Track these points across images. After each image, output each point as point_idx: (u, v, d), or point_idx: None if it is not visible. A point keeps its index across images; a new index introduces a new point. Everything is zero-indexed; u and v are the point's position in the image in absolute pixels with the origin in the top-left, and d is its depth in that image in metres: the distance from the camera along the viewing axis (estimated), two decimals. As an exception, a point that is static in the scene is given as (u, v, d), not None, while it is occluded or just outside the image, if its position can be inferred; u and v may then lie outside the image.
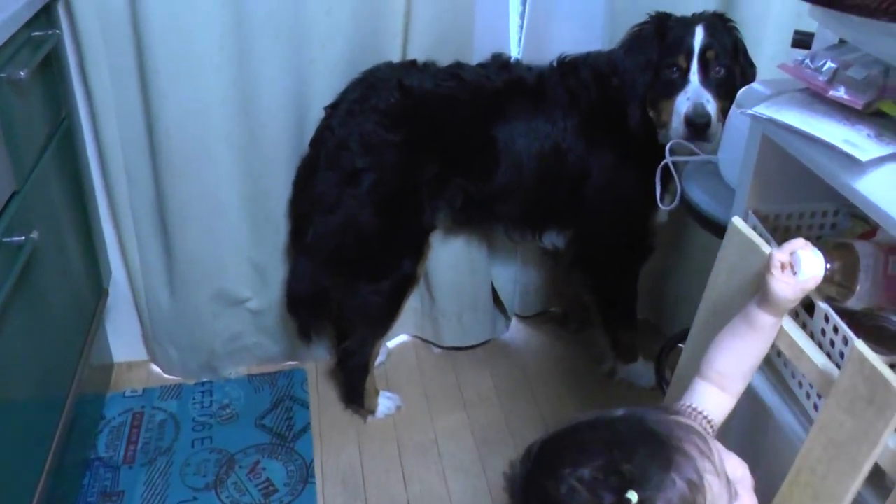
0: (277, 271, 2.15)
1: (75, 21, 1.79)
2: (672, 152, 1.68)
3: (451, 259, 2.21)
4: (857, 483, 0.90)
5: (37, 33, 1.70)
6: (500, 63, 1.98)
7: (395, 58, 1.98)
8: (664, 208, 1.70)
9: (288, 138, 1.97)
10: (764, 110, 1.06)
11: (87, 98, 1.92)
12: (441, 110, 1.88)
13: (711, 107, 1.77)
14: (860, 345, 0.90)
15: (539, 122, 1.91)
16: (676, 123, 1.78)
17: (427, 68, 1.94)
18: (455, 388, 2.27)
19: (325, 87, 1.94)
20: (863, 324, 1.04)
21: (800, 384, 1.13)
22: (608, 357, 2.25)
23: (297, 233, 2.00)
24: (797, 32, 1.76)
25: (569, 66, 1.95)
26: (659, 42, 1.80)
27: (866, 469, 0.89)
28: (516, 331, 2.49)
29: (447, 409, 2.19)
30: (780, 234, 1.20)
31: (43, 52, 1.69)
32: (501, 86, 1.92)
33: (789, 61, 1.87)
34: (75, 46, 1.86)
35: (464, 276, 2.27)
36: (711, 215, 1.53)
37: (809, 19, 1.84)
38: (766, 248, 1.10)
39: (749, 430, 1.20)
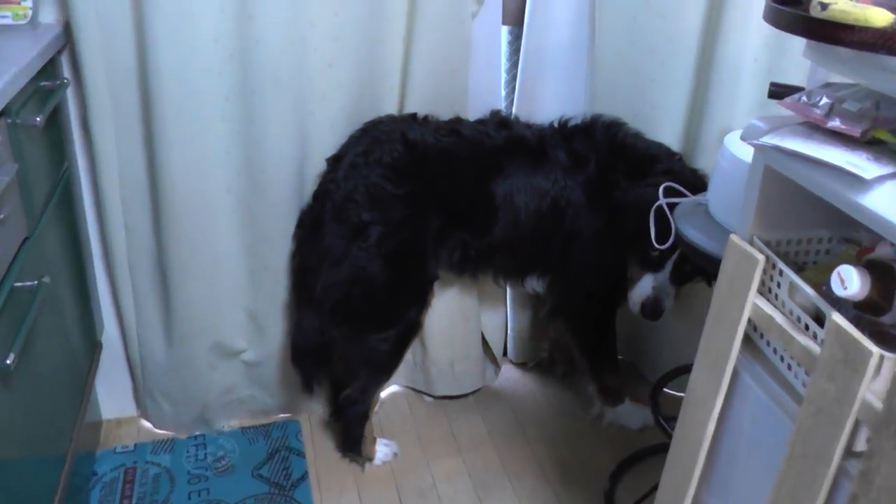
0: (274, 322, 2.17)
1: (82, 72, 1.84)
2: (665, 194, 1.77)
3: (444, 308, 2.26)
4: (842, 442, 1.01)
5: (45, 83, 1.74)
6: (499, 120, 2.07)
7: (393, 111, 2.07)
8: (660, 248, 1.78)
9: (289, 190, 2.02)
10: (770, 140, 1.16)
11: (87, 148, 1.95)
12: (443, 165, 1.95)
13: (668, 301, 1.98)
14: (837, 316, 1.02)
15: (538, 180, 2.00)
16: (635, 297, 2.00)
17: (427, 122, 2.02)
18: (449, 434, 2.30)
19: (325, 139, 2.01)
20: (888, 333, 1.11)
21: (789, 367, 1.22)
22: (595, 402, 2.31)
23: (302, 285, 2.04)
24: (773, 84, 1.90)
25: (573, 131, 2.06)
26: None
27: (849, 426, 1.00)
28: (505, 377, 2.54)
29: (443, 455, 2.22)
30: (779, 258, 1.28)
31: (54, 100, 1.74)
32: (502, 143, 2.01)
33: (765, 113, 2.08)
34: (79, 97, 1.90)
35: (456, 325, 2.32)
36: (706, 250, 1.62)
37: (781, 73, 2.04)
38: (759, 256, 1.21)
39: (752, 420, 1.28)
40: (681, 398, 1.42)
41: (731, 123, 2.09)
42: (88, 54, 1.82)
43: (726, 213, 1.68)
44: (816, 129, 1.17)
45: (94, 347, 2.10)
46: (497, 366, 2.50)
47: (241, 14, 1.84)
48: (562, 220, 2.03)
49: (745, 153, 1.67)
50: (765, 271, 1.22)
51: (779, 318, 1.19)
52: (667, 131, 2.17)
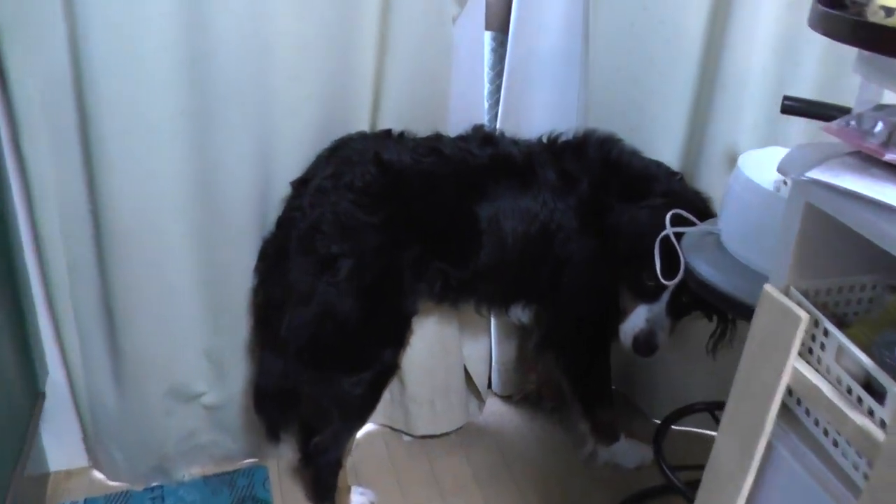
0: (236, 362, 1.96)
1: (9, 87, 1.61)
2: (672, 222, 1.58)
3: (423, 342, 2.06)
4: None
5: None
6: (482, 136, 1.88)
7: (365, 126, 1.87)
8: (667, 283, 1.59)
9: (249, 217, 1.81)
10: (819, 175, 0.97)
11: (20, 174, 1.72)
12: (422, 188, 1.76)
13: (663, 336, 1.81)
14: None
15: (526, 203, 1.82)
16: (627, 329, 1.82)
17: (403, 140, 1.83)
18: (430, 476, 2.11)
19: (290, 160, 1.80)
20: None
21: (835, 443, 1.03)
22: (588, 440, 2.13)
23: (265, 323, 1.83)
24: (787, 98, 1.72)
25: (563, 147, 1.87)
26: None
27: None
28: (490, 413, 2.35)
29: (424, 500, 2.03)
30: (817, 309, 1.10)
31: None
32: (486, 162, 1.82)
33: (772, 126, 1.91)
34: (7, 113, 1.66)
35: (436, 360, 2.13)
36: (722, 289, 1.43)
37: (792, 84, 1.86)
38: (801, 314, 1.02)
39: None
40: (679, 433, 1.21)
41: (737, 139, 1.92)
42: (14, 61, 1.59)
43: (742, 244, 1.49)
44: (872, 162, 0.98)
45: (36, 396, 1.88)
46: (481, 400, 2.31)
47: (193, 19, 1.63)
48: (551, 245, 1.85)
49: (762, 176, 1.50)
50: (805, 330, 1.03)
51: (826, 388, 1.00)
52: (666, 148, 1.99)
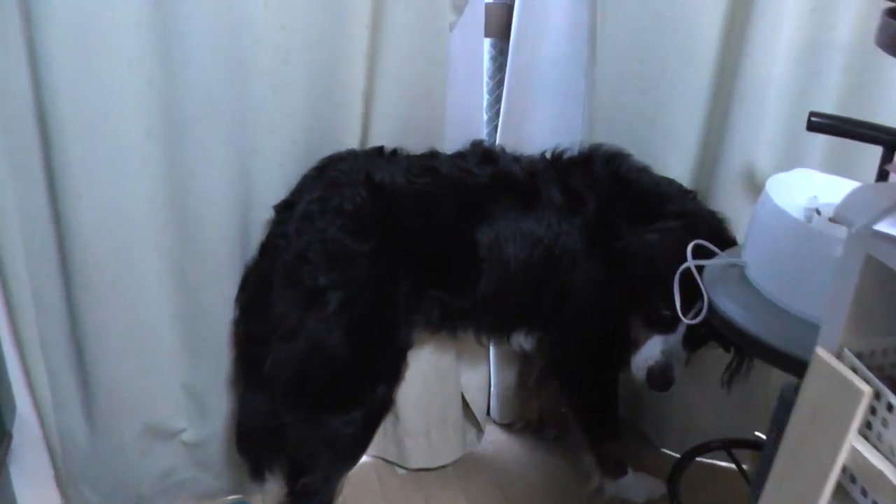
0: (217, 397, 1.82)
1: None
2: (693, 253, 1.44)
3: (418, 371, 1.92)
4: None
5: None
6: (481, 152, 1.74)
7: (355, 144, 1.72)
8: (688, 322, 1.45)
9: (229, 244, 1.66)
10: (888, 229, 0.83)
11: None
12: (417, 212, 1.62)
13: (679, 368, 1.68)
14: None
15: (530, 225, 1.68)
16: (640, 362, 1.70)
17: (397, 158, 1.69)
18: (426, 515, 1.98)
19: (273, 182, 1.66)
20: None
21: None
22: (593, 474, 1.99)
23: (248, 359, 1.69)
24: (814, 115, 1.58)
25: (568, 164, 1.74)
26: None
27: None
28: (489, 442, 2.21)
29: (420, 541, 1.90)
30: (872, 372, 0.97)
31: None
32: (487, 181, 1.68)
33: (792, 142, 1.77)
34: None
35: (432, 389, 1.99)
36: (752, 333, 1.29)
37: (815, 97, 1.72)
38: (863, 387, 0.89)
39: None
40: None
41: (754, 155, 1.78)
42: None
43: (770, 280, 1.36)
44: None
45: (2, 435, 1.73)
46: (480, 430, 2.17)
47: (163, 29, 1.48)
48: (555, 270, 1.72)
49: (792, 201, 1.37)
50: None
51: (890, 472, 0.86)
52: (677, 164, 1.85)
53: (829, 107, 1.71)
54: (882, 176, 1.55)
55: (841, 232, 1.28)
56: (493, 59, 1.91)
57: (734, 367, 1.76)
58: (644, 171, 1.79)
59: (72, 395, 1.74)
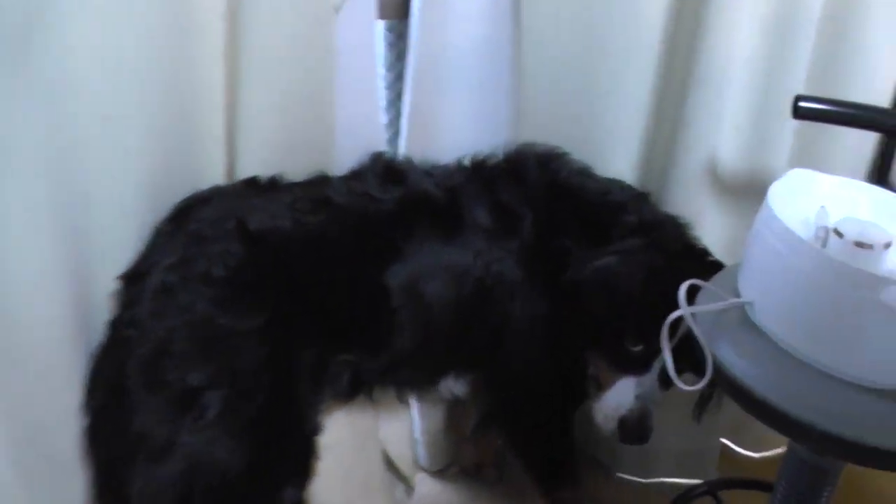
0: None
1: None
2: (688, 296, 1.11)
3: (332, 442, 1.53)
4: None
5: None
6: (383, 169, 1.39)
7: (218, 177, 1.32)
8: (686, 389, 1.13)
9: (60, 333, 1.22)
10: None
11: None
12: (311, 263, 1.25)
13: (656, 413, 1.38)
14: None
15: (453, 256, 1.35)
16: (609, 410, 1.38)
17: (276, 190, 1.31)
18: None
19: (115, 240, 1.23)
20: None
21: None
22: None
23: (106, 487, 1.26)
24: (802, 98, 1.28)
25: (494, 173, 1.41)
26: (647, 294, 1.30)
27: None
28: (422, 496, 1.87)
29: None
30: None
31: None
32: (394, 208, 1.33)
33: (758, 128, 1.47)
34: None
35: (350, 459, 1.64)
36: (777, 406, 0.99)
37: (784, 78, 1.43)
38: None
39: None
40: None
41: (717, 145, 1.48)
42: None
43: (785, 325, 1.06)
44: None
45: None
46: (409, 485, 1.83)
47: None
48: (490, 305, 1.39)
49: (800, 219, 1.10)
50: None
51: None
52: (624, 160, 1.53)
53: (798, 84, 1.42)
54: (881, 170, 1.26)
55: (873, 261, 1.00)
56: (391, 45, 1.51)
57: (706, 398, 1.47)
58: (587, 174, 1.47)
59: None
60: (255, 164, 1.34)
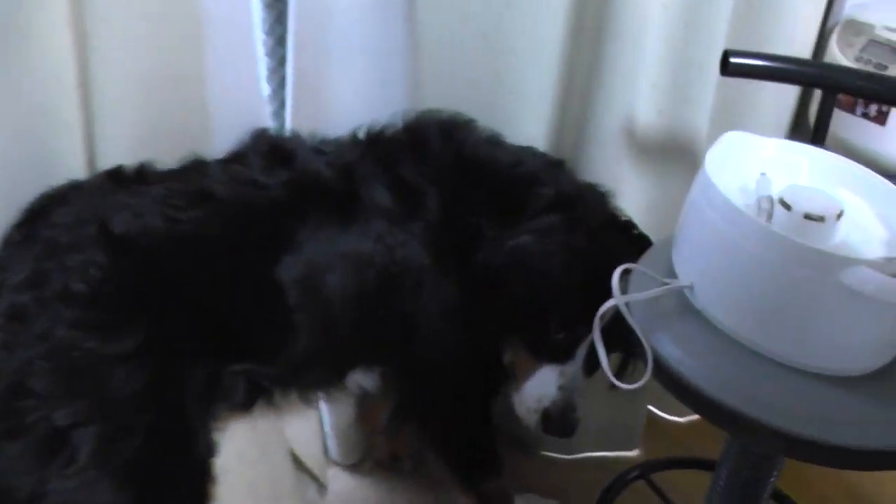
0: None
1: None
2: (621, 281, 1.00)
3: (231, 456, 1.38)
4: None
5: None
6: (267, 148, 1.23)
7: (78, 170, 1.14)
8: (626, 388, 1.01)
9: None
10: None
11: None
12: (190, 266, 1.09)
13: (580, 404, 1.27)
14: None
15: (353, 242, 1.20)
16: (530, 402, 1.28)
17: (145, 182, 1.13)
18: None
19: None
20: None
21: None
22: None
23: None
24: (731, 54, 1.17)
25: (392, 146, 1.27)
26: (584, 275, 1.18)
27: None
28: (336, 494, 1.73)
29: None
30: None
31: None
32: (282, 193, 1.18)
33: (676, 84, 1.36)
34: None
35: (254, 468, 1.48)
36: (710, 396, 0.90)
37: (704, 28, 1.32)
38: None
39: None
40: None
41: (634, 104, 1.37)
42: None
43: (727, 307, 0.96)
44: None
45: None
46: (321, 483, 1.70)
47: None
48: (397, 294, 1.25)
49: (739, 188, 1.00)
50: None
51: None
52: (533, 124, 1.41)
53: (721, 39, 1.32)
54: (819, 129, 1.17)
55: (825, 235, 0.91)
56: (269, 6, 1.32)
57: (620, 368, 1.38)
58: (495, 142, 1.34)
59: None
60: (119, 151, 1.16)
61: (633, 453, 1.76)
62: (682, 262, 1.02)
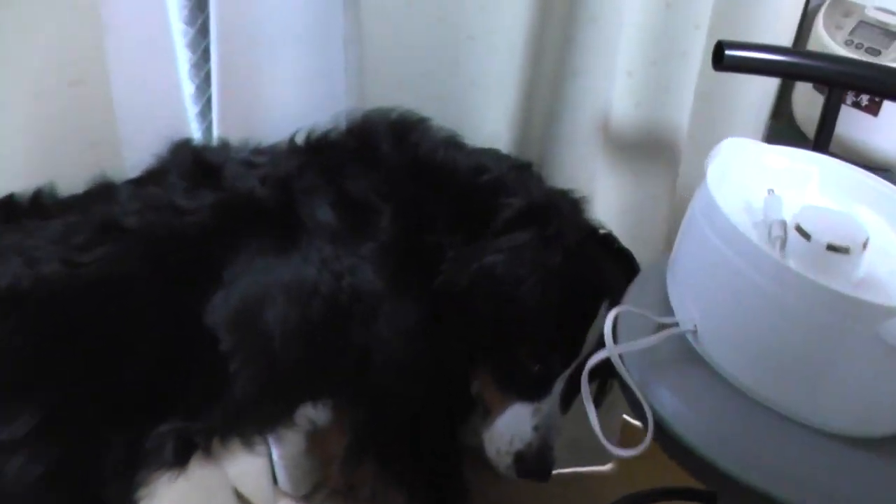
0: None
1: None
2: (612, 333, 0.84)
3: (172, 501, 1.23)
4: None
5: None
6: (191, 163, 1.06)
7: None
8: (621, 454, 0.86)
9: None
10: None
11: None
12: (96, 318, 0.91)
13: (556, 442, 1.14)
14: None
15: (293, 270, 1.04)
16: (501, 443, 1.14)
17: (41, 218, 0.95)
18: None
19: None
20: None
21: None
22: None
23: None
24: (725, 45, 1.01)
25: (336, 154, 1.11)
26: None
27: None
28: (287, 529, 1.59)
29: None
30: None
31: None
32: (208, 219, 1.00)
33: (652, 73, 1.21)
34: None
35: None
36: (708, 458, 0.76)
37: (690, 10, 1.17)
38: None
39: None
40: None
41: (610, 95, 1.21)
42: None
43: (738, 354, 0.81)
44: None
45: None
46: (270, 519, 1.54)
47: None
48: (347, 325, 1.09)
49: (746, 208, 0.85)
50: None
51: None
52: (495, 122, 1.24)
53: (705, 22, 1.17)
54: (823, 130, 1.03)
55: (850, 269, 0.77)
56: (186, -6, 1.13)
57: (599, 389, 1.25)
58: (454, 144, 1.18)
59: None
60: (9, 176, 0.96)
61: (607, 468, 1.64)
62: (681, 297, 0.88)
